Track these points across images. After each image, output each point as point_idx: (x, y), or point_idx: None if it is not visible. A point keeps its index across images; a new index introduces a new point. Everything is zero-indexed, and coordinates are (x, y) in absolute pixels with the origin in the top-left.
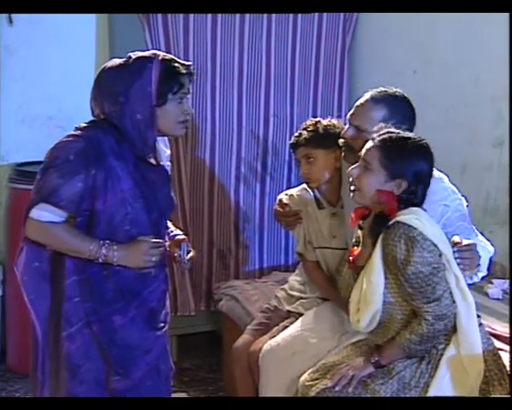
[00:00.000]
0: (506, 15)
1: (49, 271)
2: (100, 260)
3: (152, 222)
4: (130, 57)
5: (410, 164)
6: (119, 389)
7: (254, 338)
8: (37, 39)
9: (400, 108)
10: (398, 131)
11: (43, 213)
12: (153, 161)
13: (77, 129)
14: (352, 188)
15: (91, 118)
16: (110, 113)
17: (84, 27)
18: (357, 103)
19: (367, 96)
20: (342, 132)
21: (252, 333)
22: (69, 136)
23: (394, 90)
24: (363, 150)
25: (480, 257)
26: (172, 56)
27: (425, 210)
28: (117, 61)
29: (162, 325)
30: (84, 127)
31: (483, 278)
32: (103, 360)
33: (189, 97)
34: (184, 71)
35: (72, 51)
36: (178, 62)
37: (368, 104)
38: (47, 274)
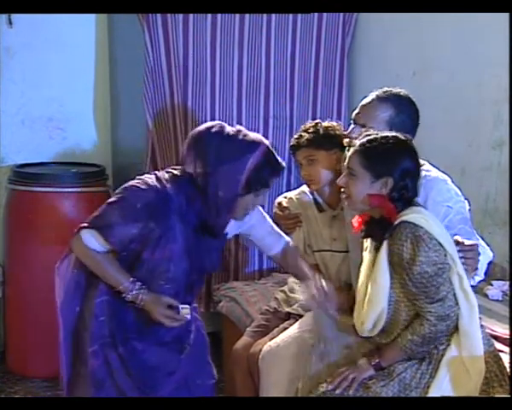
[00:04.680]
0: (506, 18)
1: (83, 283)
2: (128, 298)
3: (188, 282)
4: (240, 131)
5: (392, 161)
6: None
7: (254, 340)
8: (37, 41)
9: (405, 108)
10: (377, 132)
11: (92, 239)
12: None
13: (156, 178)
14: (344, 196)
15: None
16: (196, 174)
17: (84, 28)
18: (363, 103)
19: (372, 95)
20: (347, 132)
21: (251, 335)
22: (145, 183)
23: (399, 90)
24: (347, 159)
25: (479, 260)
26: (274, 151)
27: (426, 208)
28: (227, 130)
29: (187, 347)
30: (163, 181)
31: (479, 282)
32: (127, 381)
33: None
34: (277, 171)
35: (72, 52)
36: (277, 159)
37: (374, 103)
38: (80, 285)
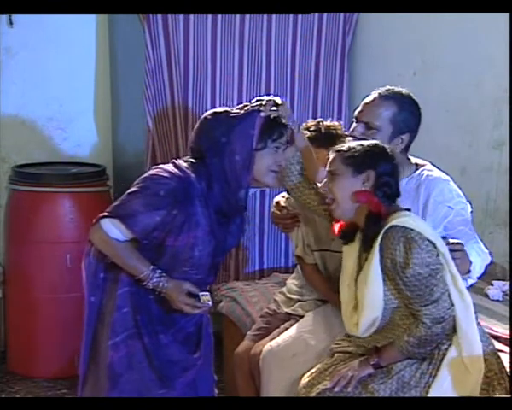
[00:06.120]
0: (506, 18)
1: (101, 274)
2: (149, 286)
3: (213, 264)
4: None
5: (372, 156)
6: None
7: (255, 343)
8: (38, 41)
9: (408, 106)
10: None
11: (114, 229)
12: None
13: (175, 166)
14: (329, 203)
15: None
16: (209, 153)
17: (84, 28)
18: (366, 101)
19: (375, 94)
20: (350, 130)
21: (252, 339)
22: (165, 171)
23: (401, 88)
24: (327, 165)
25: (471, 262)
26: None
27: (409, 209)
28: (224, 108)
29: (198, 348)
30: (183, 168)
31: (472, 285)
32: (150, 372)
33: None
34: (285, 123)
35: (72, 52)
36: (281, 116)
37: (377, 101)
38: (98, 275)
